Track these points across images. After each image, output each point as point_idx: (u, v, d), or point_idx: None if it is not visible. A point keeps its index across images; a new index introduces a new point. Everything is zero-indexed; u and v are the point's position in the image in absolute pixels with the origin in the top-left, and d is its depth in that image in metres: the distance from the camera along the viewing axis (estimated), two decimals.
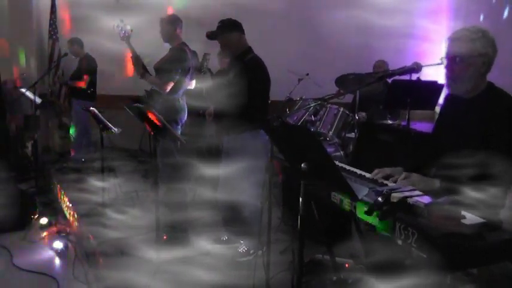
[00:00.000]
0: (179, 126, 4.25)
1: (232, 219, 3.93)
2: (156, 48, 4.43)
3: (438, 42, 6.40)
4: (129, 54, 4.22)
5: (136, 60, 4.19)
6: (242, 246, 3.84)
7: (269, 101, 3.86)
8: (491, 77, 2.28)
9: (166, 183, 3.96)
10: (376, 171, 2.36)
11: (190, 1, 7.41)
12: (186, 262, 3.46)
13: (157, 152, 3.89)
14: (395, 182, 2.22)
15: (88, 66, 6.62)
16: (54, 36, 8.24)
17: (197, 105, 4.65)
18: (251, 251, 3.81)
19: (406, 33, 6.67)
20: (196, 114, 5.16)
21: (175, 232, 3.92)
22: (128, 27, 4.10)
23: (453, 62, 2.22)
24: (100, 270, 3.42)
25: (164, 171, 4.04)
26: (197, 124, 4.45)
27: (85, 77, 6.49)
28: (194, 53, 5.05)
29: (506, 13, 5.73)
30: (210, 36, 3.75)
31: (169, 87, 4.10)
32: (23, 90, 5.98)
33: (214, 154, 5.31)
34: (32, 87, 5.62)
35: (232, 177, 3.57)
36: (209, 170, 3.86)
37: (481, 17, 6.13)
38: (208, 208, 4.20)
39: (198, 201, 4.49)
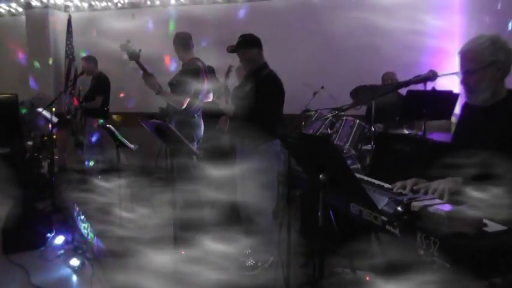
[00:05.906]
0: (195, 143, 4.25)
1: (246, 220, 3.93)
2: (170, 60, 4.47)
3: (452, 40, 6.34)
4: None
5: (149, 79, 4.00)
6: (250, 259, 3.81)
7: (283, 114, 3.89)
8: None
9: (182, 186, 3.93)
10: (398, 183, 2.28)
11: (206, 14, 7.51)
12: (201, 264, 3.47)
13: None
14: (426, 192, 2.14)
15: (101, 86, 6.66)
16: (70, 56, 8.38)
17: (207, 108, 4.55)
18: (259, 264, 3.78)
19: (419, 32, 6.56)
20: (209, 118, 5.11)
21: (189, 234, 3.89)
22: (135, 49, 3.86)
23: (467, 76, 2.24)
24: (113, 273, 3.44)
25: (180, 176, 4.00)
26: (210, 127, 4.44)
27: (98, 97, 6.53)
28: (211, 69, 5.05)
29: None
30: (231, 50, 3.84)
31: (186, 103, 4.09)
32: (40, 109, 6.05)
33: (229, 157, 5.27)
34: (48, 107, 5.70)
35: (246, 183, 3.69)
36: (224, 172, 3.87)
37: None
38: (224, 212, 4.20)
39: (215, 206, 4.50)
